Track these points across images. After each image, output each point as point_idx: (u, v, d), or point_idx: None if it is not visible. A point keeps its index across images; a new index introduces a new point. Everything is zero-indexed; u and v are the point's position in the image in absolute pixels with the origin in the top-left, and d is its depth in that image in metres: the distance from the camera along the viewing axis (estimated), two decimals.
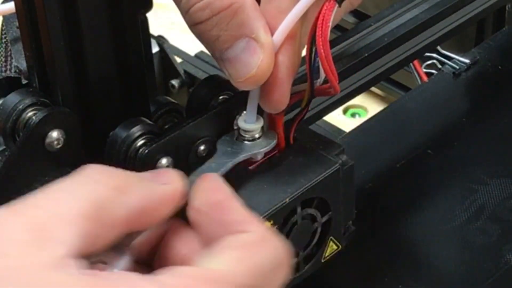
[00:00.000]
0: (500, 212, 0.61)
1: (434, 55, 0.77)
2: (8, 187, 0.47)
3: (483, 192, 0.63)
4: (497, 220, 0.61)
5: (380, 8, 0.82)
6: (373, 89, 0.98)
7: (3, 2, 0.67)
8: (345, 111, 1.00)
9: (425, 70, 0.80)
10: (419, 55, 0.67)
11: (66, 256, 0.36)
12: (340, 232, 0.52)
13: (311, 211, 0.49)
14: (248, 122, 0.49)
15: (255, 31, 0.46)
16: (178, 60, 0.88)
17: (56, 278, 0.35)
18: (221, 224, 0.41)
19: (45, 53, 0.48)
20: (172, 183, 0.42)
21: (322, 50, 0.46)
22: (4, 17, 0.65)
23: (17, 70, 0.57)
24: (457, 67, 0.74)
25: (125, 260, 0.41)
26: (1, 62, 0.61)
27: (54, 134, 0.47)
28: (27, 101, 0.48)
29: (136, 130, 0.48)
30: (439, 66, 0.77)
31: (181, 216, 0.43)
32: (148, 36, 0.53)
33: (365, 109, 1.00)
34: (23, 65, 0.54)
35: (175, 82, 0.85)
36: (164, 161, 0.47)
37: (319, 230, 0.50)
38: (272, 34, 0.46)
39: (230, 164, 0.47)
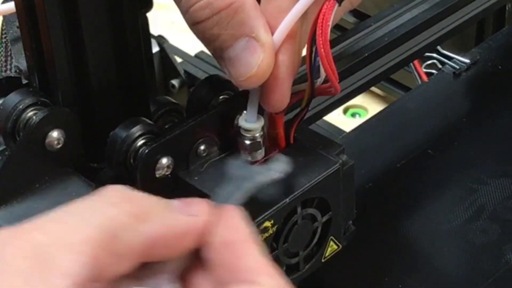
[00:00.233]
0: (500, 212, 0.61)
1: (434, 55, 0.77)
2: (8, 187, 0.47)
3: (483, 192, 0.63)
4: (497, 220, 0.61)
5: (380, 8, 0.82)
6: (373, 89, 0.98)
7: (3, 2, 0.67)
8: (345, 111, 1.00)
9: (425, 70, 0.80)
10: (419, 55, 0.67)
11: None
12: (340, 232, 0.52)
13: (311, 211, 0.49)
14: (249, 122, 0.49)
15: (255, 30, 0.46)
16: (178, 60, 0.88)
17: None
18: (232, 269, 0.38)
19: (45, 53, 0.48)
20: (200, 215, 0.39)
21: (322, 50, 0.46)
22: (4, 17, 0.65)
23: (17, 70, 0.57)
24: (457, 67, 0.74)
25: None
26: (1, 62, 0.61)
27: (54, 134, 0.47)
28: (27, 101, 0.48)
29: (136, 130, 0.48)
30: (439, 66, 0.77)
31: None
32: (148, 36, 0.53)
33: (365, 109, 1.00)
34: (23, 65, 0.54)
35: (175, 82, 0.85)
36: (164, 161, 0.47)
37: (319, 230, 0.50)
38: (272, 34, 0.46)
39: (251, 189, 0.44)
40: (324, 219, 0.50)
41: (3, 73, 0.60)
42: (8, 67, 0.60)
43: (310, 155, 0.50)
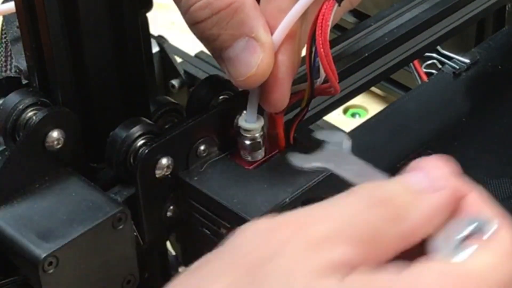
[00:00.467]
0: None
1: (434, 55, 0.77)
2: (8, 187, 0.47)
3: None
4: None
5: (380, 8, 0.82)
6: (373, 89, 0.98)
7: (3, 2, 0.67)
8: (345, 111, 1.00)
9: (425, 70, 0.79)
10: (419, 55, 0.67)
11: (336, 265, 0.35)
12: None
13: None
14: (249, 122, 0.49)
15: (255, 30, 0.46)
16: (178, 60, 0.88)
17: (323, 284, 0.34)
18: None
19: (45, 53, 0.48)
20: (447, 184, 0.38)
21: (322, 49, 0.46)
22: (4, 17, 0.65)
23: (17, 70, 0.57)
24: (457, 67, 0.74)
25: None
26: (1, 62, 0.61)
27: (54, 134, 0.47)
28: (27, 101, 0.48)
29: (136, 130, 0.48)
30: (439, 66, 0.77)
31: None
32: (148, 36, 0.53)
33: (365, 109, 1.00)
34: (23, 65, 0.54)
35: (175, 82, 0.85)
36: (164, 161, 0.47)
37: None
38: (272, 34, 0.46)
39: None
40: None
41: (3, 73, 0.60)
42: (8, 67, 0.60)
43: None
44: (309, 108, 0.50)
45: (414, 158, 0.42)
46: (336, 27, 0.90)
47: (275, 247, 0.36)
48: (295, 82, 0.48)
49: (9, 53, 0.61)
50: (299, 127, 0.51)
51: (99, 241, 0.46)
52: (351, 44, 0.60)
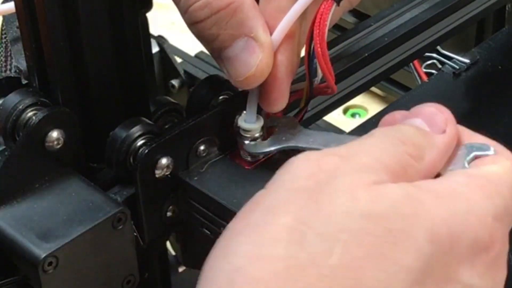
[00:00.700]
0: None
1: (434, 55, 0.77)
2: (8, 187, 0.47)
3: None
4: None
5: (380, 8, 0.82)
6: (373, 89, 0.98)
7: (3, 2, 0.67)
8: (345, 111, 1.00)
9: (425, 70, 0.79)
10: (419, 55, 0.67)
11: (376, 182, 0.38)
12: None
13: None
14: (248, 122, 0.49)
15: (254, 30, 0.46)
16: (178, 60, 0.88)
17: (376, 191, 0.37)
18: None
19: (45, 53, 0.48)
20: (448, 127, 0.43)
21: (319, 49, 0.46)
22: (4, 17, 0.65)
23: (17, 70, 0.57)
24: (457, 67, 0.74)
25: None
26: (1, 62, 0.61)
27: (54, 134, 0.47)
28: (27, 101, 0.49)
29: (136, 130, 0.48)
30: (439, 66, 0.77)
31: None
32: (148, 36, 0.53)
33: (365, 109, 1.00)
34: (23, 65, 0.54)
35: (175, 82, 0.85)
36: (164, 161, 0.47)
37: None
38: (271, 34, 0.46)
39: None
40: None
41: (3, 73, 0.60)
42: (8, 67, 0.60)
43: None
44: (309, 108, 0.50)
45: None
46: (336, 27, 0.90)
47: (329, 172, 0.38)
48: (294, 82, 0.48)
49: (9, 53, 0.61)
50: None
51: (99, 241, 0.46)
52: (351, 44, 0.60)
